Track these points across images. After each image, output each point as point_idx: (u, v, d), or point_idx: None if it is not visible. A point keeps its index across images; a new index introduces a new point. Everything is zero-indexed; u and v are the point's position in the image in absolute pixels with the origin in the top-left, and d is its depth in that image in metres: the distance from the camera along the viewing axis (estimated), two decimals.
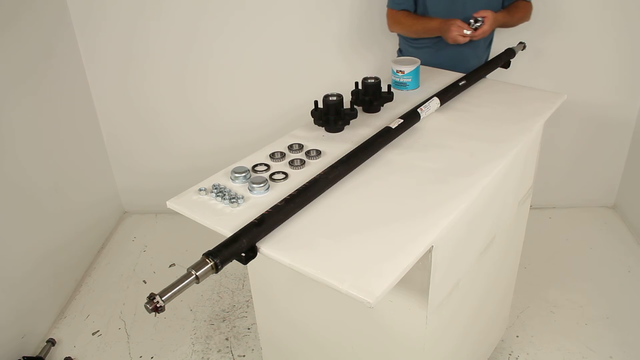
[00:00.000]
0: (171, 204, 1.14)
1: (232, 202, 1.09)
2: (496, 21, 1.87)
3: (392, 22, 2.09)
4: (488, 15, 1.84)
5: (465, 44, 1.90)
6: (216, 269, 0.89)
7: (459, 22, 1.84)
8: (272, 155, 1.28)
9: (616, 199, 2.79)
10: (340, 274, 0.90)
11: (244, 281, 2.40)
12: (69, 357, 2.04)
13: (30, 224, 2.12)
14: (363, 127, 1.41)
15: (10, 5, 2.03)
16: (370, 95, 1.49)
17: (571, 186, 2.79)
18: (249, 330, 2.14)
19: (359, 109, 1.51)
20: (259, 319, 1.57)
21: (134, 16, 2.43)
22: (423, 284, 1.09)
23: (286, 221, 1.03)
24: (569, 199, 2.81)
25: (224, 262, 0.91)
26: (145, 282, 2.44)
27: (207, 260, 0.89)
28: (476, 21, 1.85)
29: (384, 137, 1.28)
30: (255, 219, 0.99)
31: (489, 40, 2.10)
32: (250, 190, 1.14)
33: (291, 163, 1.25)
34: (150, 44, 2.50)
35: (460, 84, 1.56)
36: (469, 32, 1.84)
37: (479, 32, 1.84)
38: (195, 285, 0.88)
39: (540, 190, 2.39)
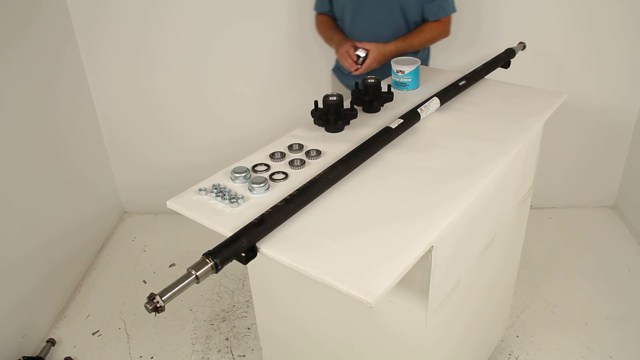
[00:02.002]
0: (171, 204, 1.14)
1: (232, 202, 1.09)
2: (383, 54, 1.84)
3: (316, 24, 2.11)
4: (371, 48, 1.82)
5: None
6: (216, 269, 0.89)
7: (349, 45, 1.85)
8: (272, 155, 1.28)
9: (616, 199, 2.79)
10: (340, 274, 0.90)
11: (244, 281, 2.40)
12: (69, 357, 2.04)
13: (30, 224, 2.12)
14: (363, 127, 1.41)
15: (9, 7, 2.03)
16: (370, 95, 1.49)
17: (571, 186, 2.79)
18: (249, 330, 2.14)
19: (359, 109, 1.52)
20: (259, 318, 1.57)
21: (135, 15, 2.43)
22: (423, 284, 1.10)
23: (286, 221, 1.03)
24: (569, 199, 2.81)
25: (224, 262, 0.91)
26: (145, 282, 2.44)
27: (207, 260, 0.89)
28: (358, 57, 1.82)
29: (384, 137, 1.28)
30: (255, 219, 0.99)
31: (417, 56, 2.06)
32: (250, 190, 1.14)
33: (291, 163, 1.25)
34: (151, 44, 2.50)
35: (460, 84, 1.56)
36: (354, 68, 1.83)
37: (364, 66, 1.83)
38: (195, 285, 0.88)
39: (540, 190, 2.39)
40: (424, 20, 1.96)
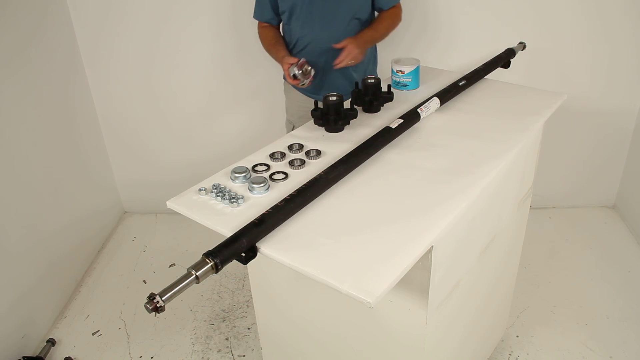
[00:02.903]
0: (171, 204, 1.14)
1: (232, 202, 1.09)
2: (359, 45, 1.81)
3: (259, 35, 2.04)
4: (346, 43, 1.79)
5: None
6: (216, 269, 0.90)
7: (288, 61, 1.79)
8: (272, 155, 1.29)
9: (616, 199, 2.79)
10: (340, 274, 0.90)
11: (244, 281, 2.40)
12: (69, 357, 2.04)
13: (30, 224, 2.12)
14: (363, 127, 1.41)
15: (8, 8, 2.03)
16: (370, 95, 1.49)
17: (571, 186, 2.79)
18: (249, 330, 2.14)
19: (359, 109, 1.52)
20: (259, 318, 1.57)
21: (135, 15, 2.43)
22: (423, 284, 1.09)
23: (286, 221, 1.03)
24: (569, 199, 2.81)
25: (224, 262, 0.91)
26: (145, 282, 2.44)
27: (207, 260, 0.89)
28: (305, 73, 1.77)
29: (384, 137, 1.28)
30: (255, 219, 0.99)
31: (367, 61, 2.04)
32: (250, 190, 1.14)
33: (291, 163, 1.25)
34: (151, 44, 2.50)
35: (460, 84, 1.56)
36: (304, 82, 1.78)
37: (349, 57, 1.77)
38: (195, 285, 0.89)
39: (540, 190, 2.39)
40: (377, 10, 1.98)
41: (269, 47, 2.00)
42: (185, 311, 2.25)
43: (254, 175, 1.21)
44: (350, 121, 1.41)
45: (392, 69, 1.67)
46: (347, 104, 1.49)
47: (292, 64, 1.80)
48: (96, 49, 2.52)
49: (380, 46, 2.15)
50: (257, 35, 2.06)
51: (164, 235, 2.76)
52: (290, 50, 2.00)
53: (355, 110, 1.45)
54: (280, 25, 2.05)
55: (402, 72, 1.64)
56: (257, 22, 2.06)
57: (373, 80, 1.49)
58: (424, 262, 1.05)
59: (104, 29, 2.47)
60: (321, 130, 1.42)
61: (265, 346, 1.65)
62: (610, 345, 1.99)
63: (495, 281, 1.63)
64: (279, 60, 1.90)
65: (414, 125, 1.39)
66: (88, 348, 2.10)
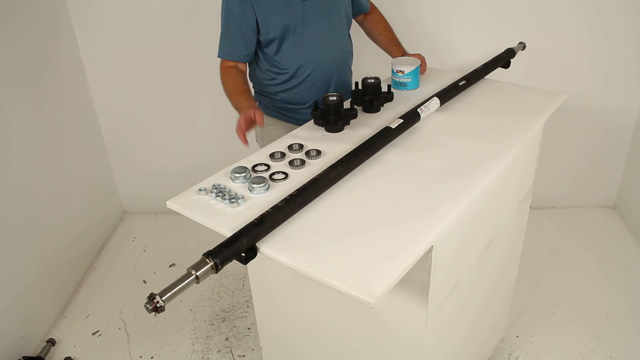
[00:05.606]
0: (171, 204, 1.14)
1: (232, 202, 1.09)
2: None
3: (223, 75, 1.68)
4: (420, 58, 1.74)
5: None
6: (216, 269, 0.90)
7: (242, 119, 1.45)
8: (272, 155, 1.29)
9: (616, 199, 2.79)
10: (340, 274, 0.90)
11: (244, 281, 2.40)
12: (69, 357, 2.04)
13: (30, 224, 2.12)
14: (363, 127, 1.41)
15: (9, 5, 2.03)
16: (370, 95, 1.49)
17: (571, 186, 2.79)
18: (249, 330, 2.14)
19: (359, 109, 1.52)
20: (259, 318, 1.57)
21: (135, 17, 2.43)
22: (423, 284, 1.09)
23: (286, 221, 1.03)
24: (569, 199, 2.81)
25: (224, 262, 0.91)
26: (145, 282, 2.44)
27: (207, 260, 0.89)
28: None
29: (384, 137, 1.28)
30: (255, 219, 0.99)
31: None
32: (250, 190, 1.14)
33: (291, 163, 1.25)
34: (151, 44, 2.50)
35: (460, 84, 1.56)
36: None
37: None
38: (195, 285, 0.89)
39: (540, 190, 2.39)
40: (356, 15, 1.86)
41: (235, 92, 1.63)
42: (185, 311, 2.25)
43: (254, 175, 1.21)
44: (350, 121, 1.41)
45: (392, 69, 1.67)
46: (347, 104, 1.49)
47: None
48: (96, 50, 2.52)
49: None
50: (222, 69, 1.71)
51: (164, 235, 2.76)
52: (285, 82, 1.73)
53: (355, 110, 1.45)
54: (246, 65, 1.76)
55: (402, 72, 1.64)
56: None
57: (373, 80, 1.49)
58: (424, 262, 1.05)
59: (104, 30, 2.48)
60: (321, 130, 1.42)
61: (265, 346, 1.65)
62: (611, 345, 1.99)
63: (495, 281, 1.63)
64: (244, 107, 1.53)
65: (414, 125, 1.39)
66: (88, 348, 2.10)
